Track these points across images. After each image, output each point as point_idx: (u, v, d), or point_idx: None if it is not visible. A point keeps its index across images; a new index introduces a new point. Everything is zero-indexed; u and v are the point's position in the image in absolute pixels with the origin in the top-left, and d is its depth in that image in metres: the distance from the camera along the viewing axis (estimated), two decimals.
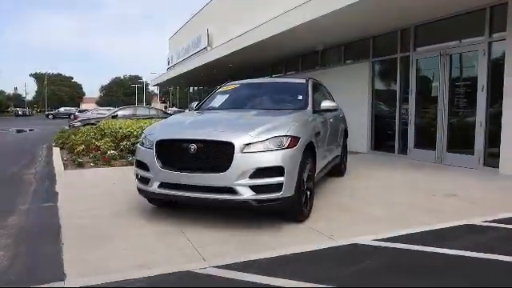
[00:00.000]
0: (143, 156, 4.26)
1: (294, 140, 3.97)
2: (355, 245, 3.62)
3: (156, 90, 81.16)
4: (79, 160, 8.22)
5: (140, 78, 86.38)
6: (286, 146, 3.88)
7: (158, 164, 4.03)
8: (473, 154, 7.87)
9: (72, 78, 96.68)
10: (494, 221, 4.38)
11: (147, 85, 75.77)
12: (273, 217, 4.34)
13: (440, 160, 8.57)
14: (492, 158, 7.55)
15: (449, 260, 3.30)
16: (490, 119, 7.61)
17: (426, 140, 9.02)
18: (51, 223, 4.26)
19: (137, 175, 4.40)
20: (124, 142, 9.33)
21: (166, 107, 43.76)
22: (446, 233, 4.01)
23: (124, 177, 7.04)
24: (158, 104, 66.49)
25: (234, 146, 3.77)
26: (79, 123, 16.30)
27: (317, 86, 5.95)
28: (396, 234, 3.89)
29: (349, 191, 5.94)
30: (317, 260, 3.29)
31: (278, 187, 3.81)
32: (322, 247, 3.53)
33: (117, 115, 16.28)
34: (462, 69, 8.27)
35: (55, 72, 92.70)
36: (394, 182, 6.84)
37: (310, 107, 5.04)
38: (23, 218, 4.49)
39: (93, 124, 15.24)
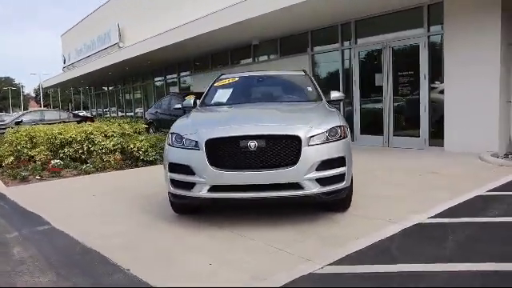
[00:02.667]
0: (184, 158, 3.79)
1: (346, 130, 3.97)
2: (420, 224, 3.79)
3: (32, 92, 72.53)
4: (23, 174, 6.92)
5: (13, 80, 75.52)
6: (342, 136, 3.86)
7: (209, 166, 3.63)
8: (418, 136, 8.81)
9: None
10: (493, 189, 5.00)
11: (22, 87, 66.85)
12: (312, 209, 4.29)
13: (388, 144, 9.39)
14: (435, 139, 8.55)
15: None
16: (432, 104, 8.59)
17: (372, 126, 9.77)
18: (78, 248, 3.53)
19: (172, 180, 3.90)
20: (65, 149, 8.16)
21: (69, 110, 39.13)
22: (473, 205, 4.43)
23: (91, 187, 6.19)
24: (35, 108, 59.39)
25: (300, 140, 3.61)
26: None
27: None
28: (437, 212, 4.16)
29: None
30: (407, 242, 3.35)
31: (340, 178, 3.77)
32: (397, 231, 3.61)
33: (21, 121, 14.09)
34: (404, 59, 9.14)
35: None
36: (368, 165, 7.26)
37: (324, 99, 5.07)
38: (30, 247, 3.63)
39: None
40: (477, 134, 7.66)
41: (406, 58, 9.08)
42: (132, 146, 7.99)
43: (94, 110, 29.17)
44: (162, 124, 11.83)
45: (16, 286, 2.85)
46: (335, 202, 4.05)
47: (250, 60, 13.39)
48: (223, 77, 5.69)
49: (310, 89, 5.29)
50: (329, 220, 4.03)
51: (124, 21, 18.15)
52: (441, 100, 8.34)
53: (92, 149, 8.12)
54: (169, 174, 3.90)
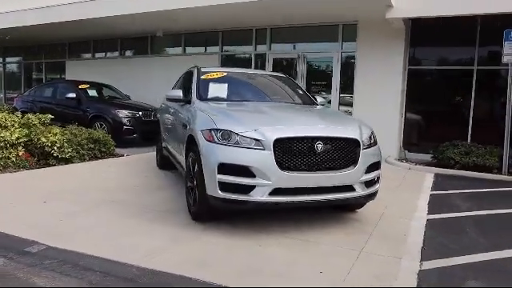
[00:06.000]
0: (241, 158, 3.39)
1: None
2: (432, 220, 4.34)
3: None
4: None
5: None
6: (376, 141, 4.10)
7: (277, 167, 3.37)
8: None
9: None
10: (435, 189, 6.02)
11: None
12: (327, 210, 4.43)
13: None
14: None
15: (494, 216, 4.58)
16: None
17: None
18: (134, 271, 2.79)
19: (221, 183, 3.43)
20: None
21: None
22: (442, 202, 5.23)
23: (18, 190, 4.86)
24: None
25: (359, 142, 3.72)
26: None
27: None
28: (426, 209, 4.81)
29: None
30: (448, 236, 3.82)
31: (377, 181, 4.01)
32: (423, 227, 4.06)
33: None
34: (318, 70, 10.00)
35: None
36: None
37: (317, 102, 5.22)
38: (55, 275, 2.68)
39: None
40: (379, 142, 8.96)
41: (319, 69, 9.96)
42: (44, 140, 6.50)
43: None
44: None
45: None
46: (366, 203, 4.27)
47: (146, 53, 12.35)
48: (205, 70, 5.23)
49: (300, 91, 5.37)
50: (353, 220, 4.22)
51: None
52: (349, 111, 9.46)
53: None
54: (218, 176, 3.43)
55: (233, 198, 3.44)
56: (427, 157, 8.47)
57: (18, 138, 6.41)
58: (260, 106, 4.39)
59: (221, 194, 3.45)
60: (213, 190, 3.49)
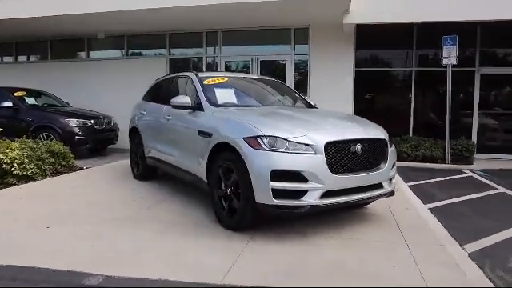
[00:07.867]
0: (293, 163, 3.40)
1: None
2: (430, 208, 4.83)
3: None
4: None
5: None
6: (391, 140, 4.38)
7: (329, 170, 3.47)
8: None
9: None
10: (409, 181, 6.65)
11: None
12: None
13: None
14: None
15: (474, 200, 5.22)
16: None
17: None
18: None
19: (274, 190, 3.41)
20: None
21: None
22: (423, 192, 5.83)
23: (4, 216, 4.24)
24: None
25: (387, 143, 4.00)
26: None
27: None
28: (415, 199, 5.34)
29: None
30: (464, 220, 4.30)
31: (394, 177, 4.32)
32: (434, 216, 4.50)
33: None
34: (271, 72, 10.19)
35: None
36: None
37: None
38: None
39: None
40: None
41: (273, 72, 10.18)
42: (2, 157, 5.70)
43: None
44: None
45: None
46: None
47: (82, 56, 11.38)
48: (204, 75, 5.07)
49: (297, 95, 5.52)
50: (371, 215, 4.49)
51: None
52: None
53: None
54: (271, 183, 3.41)
55: (287, 204, 3.45)
56: None
57: None
58: (279, 111, 4.44)
59: (275, 202, 3.43)
60: (265, 198, 3.45)
